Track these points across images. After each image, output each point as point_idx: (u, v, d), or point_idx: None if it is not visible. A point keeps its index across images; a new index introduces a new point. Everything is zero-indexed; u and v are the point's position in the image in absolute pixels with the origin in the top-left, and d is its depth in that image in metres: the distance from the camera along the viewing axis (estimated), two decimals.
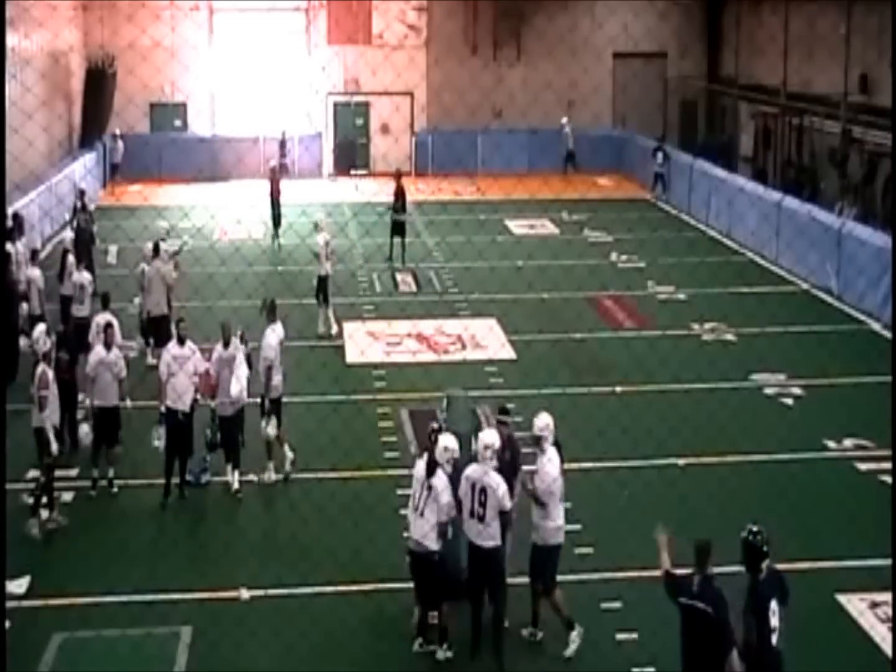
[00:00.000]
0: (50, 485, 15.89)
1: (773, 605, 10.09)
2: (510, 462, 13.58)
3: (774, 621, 10.07)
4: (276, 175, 33.44)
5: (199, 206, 33.95)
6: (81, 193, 29.58)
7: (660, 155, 39.73)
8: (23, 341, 20.46)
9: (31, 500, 15.95)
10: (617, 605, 13.64)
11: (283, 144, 42.81)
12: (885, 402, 19.30)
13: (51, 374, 15.92)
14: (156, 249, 22.86)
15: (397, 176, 32.04)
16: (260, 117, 43.49)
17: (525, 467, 13.43)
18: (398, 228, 30.83)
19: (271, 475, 17.34)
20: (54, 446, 15.71)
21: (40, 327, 16.94)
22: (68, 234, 26.49)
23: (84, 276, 22.47)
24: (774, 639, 10.10)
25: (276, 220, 32.90)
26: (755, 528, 10.30)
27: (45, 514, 15.82)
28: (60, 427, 17.75)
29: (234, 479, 17.02)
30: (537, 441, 13.03)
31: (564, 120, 43.76)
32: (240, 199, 36.46)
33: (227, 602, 14.06)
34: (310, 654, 12.90)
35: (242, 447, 17.21)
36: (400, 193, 30.95)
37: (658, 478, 17.30)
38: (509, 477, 13.20)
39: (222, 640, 13.20)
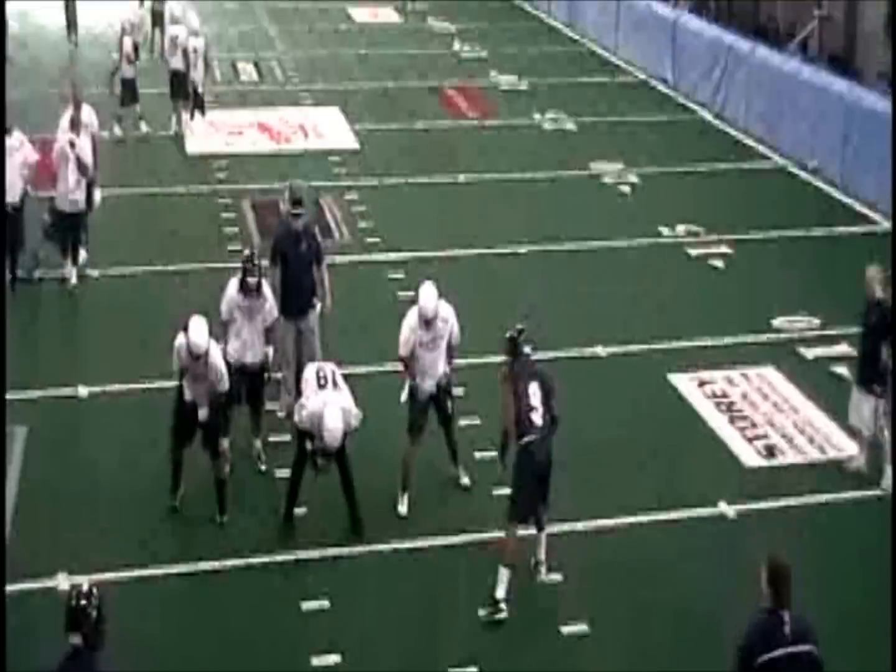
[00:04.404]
0: None
1: (535, 387, 10.59)
2: (313, 250, 13.33)
3: (535, 401, 10.55)
4: None
5: None
6: None
7: None
8: None
9: None
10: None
11: None
12: (714, 190, 20.52)
13: None
14: None
15: None
16: None
17: None
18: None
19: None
20: None
21: None
22: None
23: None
24: (537, 418, 10.51)
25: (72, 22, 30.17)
26: (519, 327, 11.01)
27: None
28: None
29: (73, 273, 16.71)
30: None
31: None
32: None
33: (64, 400, 13.85)
34: (149, 446, 12.61)
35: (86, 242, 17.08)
36: None
37: (500, 264, 17.72)
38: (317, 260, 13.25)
39: (60, 437, 13.12)
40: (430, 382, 11.91)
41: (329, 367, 11.51)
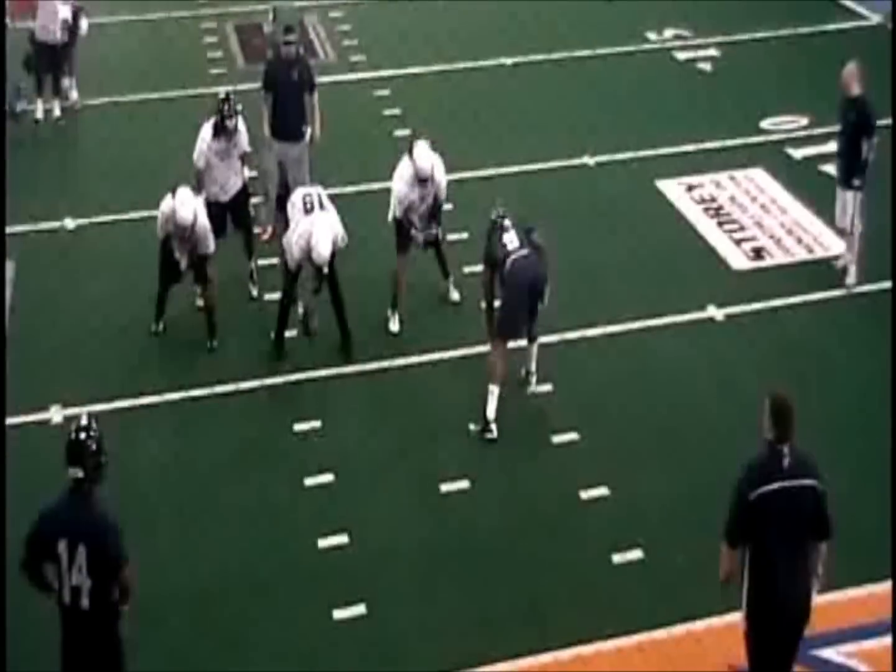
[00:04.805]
0: None
1: (511, 235, 10.72)
2: (305, 78, 13.42)
3: (512, 243, 10.67)
4: None
5: None
6: None
7: None
8: None
9: None
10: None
11: None
12: None
13: None
14: None
15: None
16: None
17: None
18: None
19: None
20: None
21: None
22: None
23: None
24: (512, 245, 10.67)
25: None
26: (501, 212, 11.02)
27: None
28: None
29: (56, 104, 16.48)
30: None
31: None
32: None
33: (51, 233, 13.86)
34: (137, 277, 12.64)
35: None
36: None
37: (486, 76, 17.51)
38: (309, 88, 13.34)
39: (48, 270, 13.13)
40: (421, 235, 12.01)
41: (315, 191, 11.61)
